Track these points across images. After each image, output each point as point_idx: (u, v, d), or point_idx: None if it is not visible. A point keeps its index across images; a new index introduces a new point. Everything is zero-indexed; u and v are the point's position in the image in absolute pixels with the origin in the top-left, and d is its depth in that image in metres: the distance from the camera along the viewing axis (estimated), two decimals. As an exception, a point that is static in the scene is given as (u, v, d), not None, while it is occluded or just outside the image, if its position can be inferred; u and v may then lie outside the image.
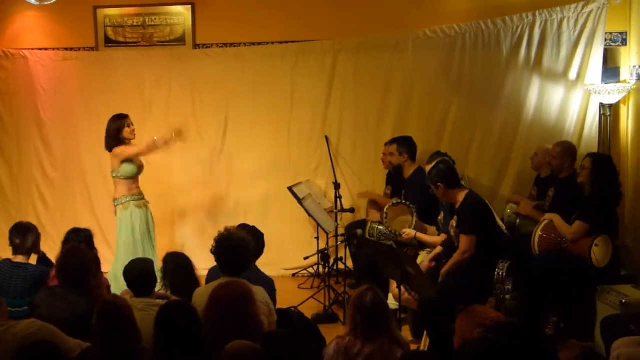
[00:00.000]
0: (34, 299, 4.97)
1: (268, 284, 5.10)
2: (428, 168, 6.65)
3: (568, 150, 6.87)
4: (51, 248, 8.30)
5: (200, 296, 4.54)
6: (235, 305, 3.97)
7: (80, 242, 5.45)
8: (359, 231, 7.13)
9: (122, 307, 3.93)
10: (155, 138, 6.84)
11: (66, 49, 8.92)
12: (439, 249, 6.23)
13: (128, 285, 4.83)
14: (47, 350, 3.40)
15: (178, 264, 5.23)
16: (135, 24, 8.88)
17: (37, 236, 5.66)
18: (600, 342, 5.13)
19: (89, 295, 4.72)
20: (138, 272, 4.73)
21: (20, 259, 5.54)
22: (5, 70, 8.93)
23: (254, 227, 5.65)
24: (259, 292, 4.44)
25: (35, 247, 5.66)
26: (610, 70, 7.84)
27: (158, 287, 5.13)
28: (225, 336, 3.65)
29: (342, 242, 7.61)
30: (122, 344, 3.76)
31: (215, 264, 4.91)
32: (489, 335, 3.28)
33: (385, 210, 6.83)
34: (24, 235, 5.58)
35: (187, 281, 5.15)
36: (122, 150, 6.85)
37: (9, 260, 5.58)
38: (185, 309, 3.72)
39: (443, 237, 6.28)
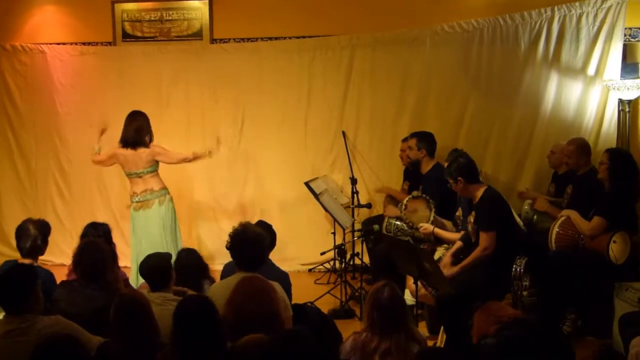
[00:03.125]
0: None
1: (283, 278, 5.09)
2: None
3: (581, 147, 6.82)
4: (68, 242, 8.39)
5: (217, 291, 4.54)
6: (257, 302, 3.98)
7: (98, 236, 5.43)
8: (376, 227, 7.11)
9: (140, 301, 3.94)
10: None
11: (84, 43, 8.96)
12: (458, 244, 6.16)
13: (144, 280, 4.84)
14: (67, 344, 3.41)
15: (190, 260, 5.24)
16: (152, 18, 8.90)
17: (34, 238, 5.39)
18: (618, 339, 5.11)
19: (107, 289, 4.73)
20: (153, 267, 4.74)
21: (26, 261, 5.34)
22: (24, 65, 8.98)
23: (264, 222, 5.66)
24: (277, 288, 4.44)
25: (36, 248, 5.48)
26: (630, 65, 7.78)
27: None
28: (245, 332, 3.66)
29: (358, 237, 7.61)
30: (140, 338, 3.77)
31: (230, 259, 4.91)
32: (507, 332, 3.27)
33: (404, 202, 6.80)
34: (20, 237, 5.42)
35: (198, 277, 5.17)
36: (163, 152, 7.05)
37: (15, 261, 5.44)
38: (204, 304, 3.71)
39: (462, 233, 6.24)
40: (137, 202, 7.02)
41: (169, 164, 7.17)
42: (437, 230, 6.51)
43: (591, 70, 7.84)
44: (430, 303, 5.95)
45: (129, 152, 6.94)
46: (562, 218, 6.11)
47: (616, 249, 5.71)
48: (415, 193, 6.99)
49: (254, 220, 5.83)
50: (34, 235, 5.42)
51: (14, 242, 8.11)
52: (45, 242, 5.54)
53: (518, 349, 3.18)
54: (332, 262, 8.31)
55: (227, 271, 5.20)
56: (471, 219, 5.94)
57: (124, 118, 7.02)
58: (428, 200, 6.74)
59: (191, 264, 5.19)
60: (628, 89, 7.49)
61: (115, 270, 5.25)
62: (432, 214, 6.65)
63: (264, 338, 3.52)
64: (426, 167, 7.40)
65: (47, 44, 8.94)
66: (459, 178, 5.92)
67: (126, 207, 7.22)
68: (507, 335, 3.25)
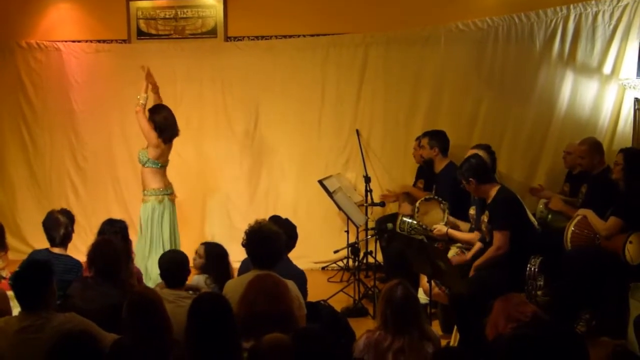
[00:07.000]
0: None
1: (299, 276, 5.10)
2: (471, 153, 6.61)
3: (594, 146, 6.80)
4: (83, 239, 8.37)
5: (231, 288, 4.54)
6: (269, 300, 3.97)
7: (115, 233, 5.47)
8: (390, 225, 7.10)
9: (152, 298, 3.95)
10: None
11: (99, 41, 8.99)
12: (478, 245, 6.10)
13: (162, 276, 4.86)
14: (84, 340, 3.43)
15: (220, 253, 5.28)
16: (167, 16, 8.92)
17: (66, 225, 5.56)
18: (633, 340, 5.07)
19: (121, 286, 4.76)
20: (175, 263, 4.77)
21: (57, 250, 5.51)
22: (39, 62, 9.02)
23: (286, 220, 5.66)
24: (291, 286, 4.44)
25: (67, 235, 5.58)
26: (646, 64, 7.73)
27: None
28: (257, 329, 3.66)
29: (372, 235, 7.60)
30: (152, 335, 3.78)
31: (246, 256, 4.91)
32: (521, 331, 3.26)
33: (417, 205, 6.79)
34: (52, 227, 5.54)
35: (225, 272, 5.20)
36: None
37: (47, 250, 5.55)
38: (219, 302, 3.71)
39: (476, 234, 6.21)
40: (171, 193, 7.08)
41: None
42: (450, 231, 6.50)
43: (607, 69, 7.77)
44: (444, 302, 5.95)
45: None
46: (578, 217, 6.08)
47: (632, 249, 5.68)
48: (427, 195, 6.96)
49: (266, 218, 5.83)
50: (65, 223, 5.58)
51: (29, 238, 8.19)
52: (73, 230, 5.68)
53: (532, 349, 3.16)
54: (345, 261, 8.29)
55: (245, 267, 5.19)
56: (485, 218, 5.92)
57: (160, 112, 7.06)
58: (441, 202, 6.72)
59: (220, 255, 5.26)
60: (644, 88, 7.44)
61: (130, 267, 5.28)
62: (446, 215, 6.63)
63: (285, 338, 3.51)
64: (439, 166, 7.39)
65: (62, 41, 8.98)
66: (470, 179, 5.92)
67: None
68: (522, 335, 3.24)
